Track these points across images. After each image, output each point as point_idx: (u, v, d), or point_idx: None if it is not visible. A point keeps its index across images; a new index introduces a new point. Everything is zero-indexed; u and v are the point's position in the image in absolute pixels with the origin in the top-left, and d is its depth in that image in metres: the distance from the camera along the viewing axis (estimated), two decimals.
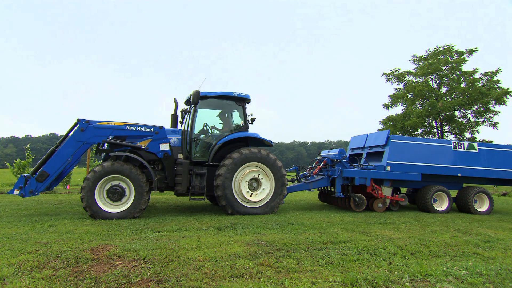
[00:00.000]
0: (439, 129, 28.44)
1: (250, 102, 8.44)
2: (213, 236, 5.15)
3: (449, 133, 28.57)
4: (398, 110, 33.67)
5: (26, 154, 14.96)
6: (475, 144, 9.73)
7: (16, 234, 4.98)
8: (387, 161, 9.00)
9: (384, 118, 29.82)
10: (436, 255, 4.41)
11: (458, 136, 27.38)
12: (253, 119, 8.32)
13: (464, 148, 9.52)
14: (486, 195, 9.60)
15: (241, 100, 8.24)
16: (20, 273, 3.29)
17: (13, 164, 14.33)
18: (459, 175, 9.39)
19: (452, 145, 9.51)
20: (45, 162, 6.94)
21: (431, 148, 9.38)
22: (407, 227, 6.49)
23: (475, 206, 9.45)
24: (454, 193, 9.88)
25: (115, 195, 6.67)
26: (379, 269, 3.71)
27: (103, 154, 7.51)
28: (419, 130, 28.74)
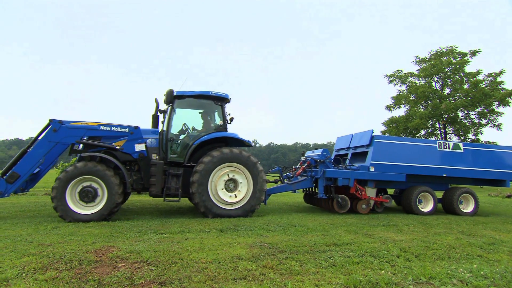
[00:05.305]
0: (442, 130, 28.31)
1: (229, 102, 8.25)
2: (216, 238, 5.14)
3: (453, 134, 28.43)
4: (401, 111, 33.55)
5: None
6: (461, 144, 9.63)
7: (19, 236, 5.01)
8: (371, 161, 8.85)
9: (387, 119, 29.74)
10: (440, 258, 4.38)
11: (462, 138, 27.24)
12: (231, 119, 8.15)
13: (449, 148, 9.40)
14: (471, 196, 9.48)
15: (220, 100, 8.01)
16: (24, 274, 3.31)
17: None
18: (444, 175, 9.26)
19: (437, 145, 9.39)
20: (16, 163, 6.76)
21: (416, 148, 9.25)
22: (410, 229, 6.45)
23: (460, 207, 9.34)
24: (440, 194, 9.78)
25: (87, 196, 6.53)
26: (383, 271, 3.69)
27: (79, 154, 7.31)
28: (422, 132, 28.64)
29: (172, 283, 3.17)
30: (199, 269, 3.59)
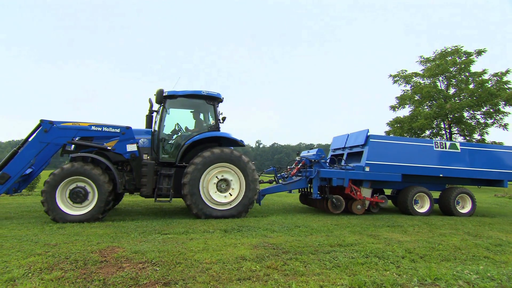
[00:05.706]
0: (448, 130, 28.09)
1: (222, 101, 8.22)
2: (220, 239, 5.15)
3: (458, 134, 28.20)
4: (405, 112, 33.36)
5: None
6: (457, 144, 9.50)
7: (26, 236, 5.06)
8: (366, 161, 8.71)
9: (391, 120, 29.59)
10: (445, 259, 4.34)
11: (467, 138, 27.03)
12: (224, 118, 8.11)
13: (446, 148, 9.27)
14: (468, 196, 9.35)
15: (211, 99, 7.96)
16: (30, 274, 3.34)
17: None
18: (441, 175, 9.11)
19: (433, 144, 9.26)
20: (6, 164, 6.73)
21: (412, 148, 9.12)
22: (415, 230, 6.41)
23: (457, 208, 9.22)
24: (437, 195, 9.67)
25: (78, 197, 6.51)
26: (388, 272, 3.67)
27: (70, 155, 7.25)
28: (427, 132, 28.45)
29: (177, 284, 3.18)
30: (204, 269, 3.60)
